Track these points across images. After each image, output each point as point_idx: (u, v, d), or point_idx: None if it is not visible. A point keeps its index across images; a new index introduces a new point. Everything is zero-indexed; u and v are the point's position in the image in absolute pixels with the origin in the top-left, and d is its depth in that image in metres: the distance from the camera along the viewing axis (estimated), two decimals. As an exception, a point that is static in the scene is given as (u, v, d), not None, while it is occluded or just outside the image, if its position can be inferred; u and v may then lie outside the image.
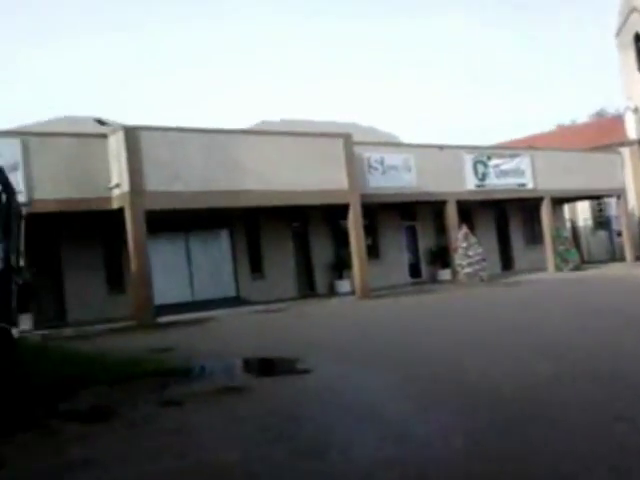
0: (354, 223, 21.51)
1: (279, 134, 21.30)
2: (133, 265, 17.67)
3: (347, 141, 21.52)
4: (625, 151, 35.28)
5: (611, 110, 57.75)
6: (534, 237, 30.99)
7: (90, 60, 60.27)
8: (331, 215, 24.38)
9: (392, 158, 23.64)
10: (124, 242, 18.14)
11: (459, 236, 24.37)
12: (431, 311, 16.52)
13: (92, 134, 18.90)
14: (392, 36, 79.67)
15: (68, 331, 17.03)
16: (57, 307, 19.78)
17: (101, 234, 20.39)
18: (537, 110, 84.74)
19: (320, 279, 25.07)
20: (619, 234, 33.57)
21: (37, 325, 17.35)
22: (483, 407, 6.00)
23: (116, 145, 17.92)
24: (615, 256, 35.01)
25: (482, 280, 23.79)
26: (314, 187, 20.47)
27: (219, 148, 19.13)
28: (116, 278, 20.61)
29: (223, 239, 23.46)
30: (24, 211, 8.93)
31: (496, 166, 26.72)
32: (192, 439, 5.65)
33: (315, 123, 26.17)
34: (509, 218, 31.19)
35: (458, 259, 24.22)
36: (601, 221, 37.86)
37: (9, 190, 8.16)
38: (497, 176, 26.72)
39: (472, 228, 26.12)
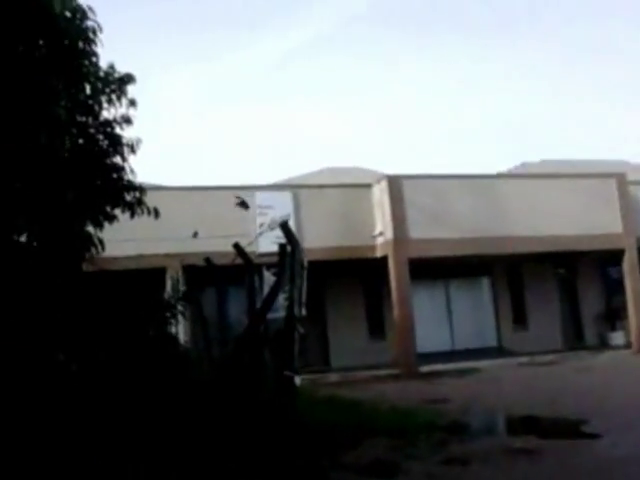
0: (630, 269, 19.80)
1: (544, 177, 20.41)
2: (396, 313, 17.73)
3: (621, 181, 20.03)
4: None
5: None
6: None
7: (348, 112, 63.27)
8: (601, 261, 22.70)
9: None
10: (386, 290, 18.30)
11: None
12: None
13: (356, 184, 19.53)
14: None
15: (333, 377, 17.43)
16: (321, 352, 20.40)
17: (363, 282, 20.82)
18: None
19: (589, 330, 23.34)
20: None
21: (301, 370, 17.93)
22: None
23: (380, 194, 18.30)
24: None
25: None
26: (583, 231, 19.22)
27: (482, 193, 18.77)
28: (377, 325, 20.86)
29: (484, 287, 22.82)
30: (306, 262, 9.22)
31: None
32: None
33: (578, 162, 24.79)
34: None
35: None
36: None
37: (293, 241, 8.48)
38: None
39: None
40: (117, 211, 7.15)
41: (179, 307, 8.50)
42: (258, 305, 10.18)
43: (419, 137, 62.70)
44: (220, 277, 13.32)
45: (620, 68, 61.65)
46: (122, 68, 6.52)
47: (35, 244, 6.09)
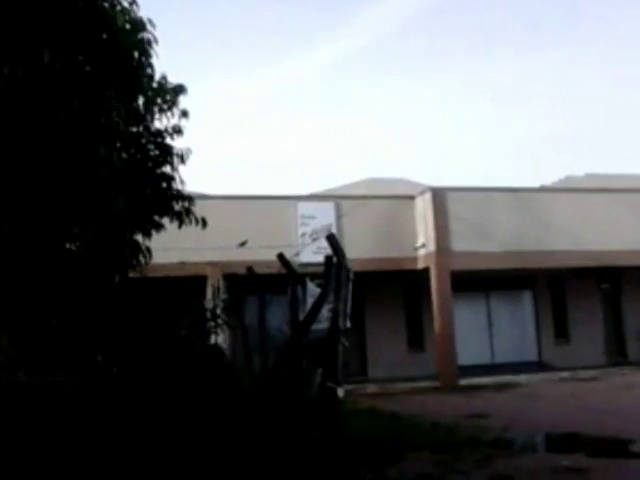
0: (675, 285, 19.41)
1: (588, 191, 20.14)
2: (437, 325, 17.63)
3: (667, 195, 19.65)
4: None
5: None
6: None
7: (392, 122, 63.20)
8: (647, 276, 22.29)
9: None
10: (426, 302, 18.22)
11: None
12: None
13: (399, 195, 19.53)
14: None
15: (371, 387, 17.39)
16: (360, 363, 20.35)
17: (403, 293, 20.76)
18: None
19: (632, 346, 22.89)
20: None
21: (343, 382, 17.91)
22: None
23: (423, 206, 18.26)
24: None
25: None
26: (627, 246, 18.91)
27: (526, 207, 18.60)
28: (416, 337, 20.76)
29: (526, 300, 22.54)
30: (352, 274, 9.20)
31: None
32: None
33: (623, 176, 24.40)
34: None
35: None
36: None
37: (339, 252, 8.47)
38: None
39: None
40: (165, 220, 7.25)
41: (223, 316, 8.54)
42: (300, 316, 10.21)
43: (463, 149, 62.39)
44: (262, 287, 13.40)
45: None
46: (172, 78, 6.63)
47: (87, 252, 6.19)
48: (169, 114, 6.69)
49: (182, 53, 62.29)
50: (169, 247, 11.72)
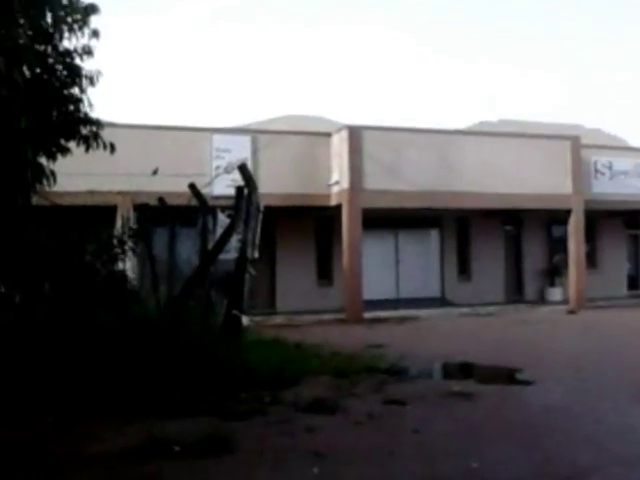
0: (575, 229, 20.40)
1: (499, 135, 20.74)
2: (346, 260, 18.01)
3: (575, 144, 20.43)
4: None
5: None
6: None
7: (308, 58, 62.47)
8: (548, 220, 23.33)
9: (622, 163, 22.06)
10: (337, 237, 18.53)
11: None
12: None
13: (316, 132, 19.53)
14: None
15: (279, 319, 17.72)
16: (269, 295, 20.60)
17: (315, 228, 21.01)
18: None
19: (529, 285, 24.09)
20: None
21: (248, 311, 18.16)
22: None
23: (339, 143, 18.38)
24: None
25: None
26: (533, 190, 19.67)
27: (438, 149, 18.97)
28: (325, 271, 21.16)
29: (432, 239, 23.22)
30: (262, 206, 9.33)
31: None
32: (424, 439, 5.57)
33: (535, 124, 25.19)
34: None
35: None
36: None
37: (251, 184, 8.59)
38: None
39: None
40: (72, 144, 7.11)
41: (129, 243, 8.55)
42: (210, 246, 10.31)
43: (382, 91, 62.54)
44: (173, 217, 13.37)
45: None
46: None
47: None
48: (79, 34, 6.50)
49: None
50: (76, 173, 11.47)
